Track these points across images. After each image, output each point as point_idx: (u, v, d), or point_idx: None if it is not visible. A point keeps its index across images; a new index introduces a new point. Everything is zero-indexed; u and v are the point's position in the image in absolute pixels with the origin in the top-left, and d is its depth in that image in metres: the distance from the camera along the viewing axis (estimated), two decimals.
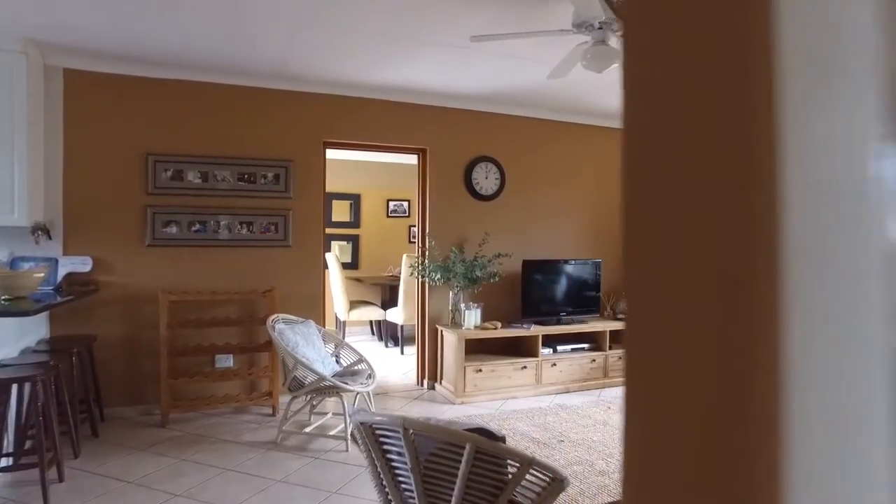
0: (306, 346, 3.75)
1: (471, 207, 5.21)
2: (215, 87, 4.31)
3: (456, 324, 4.95)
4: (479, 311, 4.89)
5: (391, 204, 8.43)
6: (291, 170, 4.52)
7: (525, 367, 4.88)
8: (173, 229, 4.20)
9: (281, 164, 4.50)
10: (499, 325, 4.90)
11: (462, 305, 4.89)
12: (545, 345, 4.97)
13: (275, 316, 3.86)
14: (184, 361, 4.18)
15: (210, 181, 4.30)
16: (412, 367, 5.70)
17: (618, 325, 5.30)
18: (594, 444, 3.68)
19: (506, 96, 4.94)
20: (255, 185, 4.43)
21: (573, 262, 5.43)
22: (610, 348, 5.22)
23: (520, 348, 5.02)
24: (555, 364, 5.00)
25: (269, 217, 4.48)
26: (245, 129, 4.41)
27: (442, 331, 4.96)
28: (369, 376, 3.90)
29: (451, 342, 4.78)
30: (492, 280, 4.96)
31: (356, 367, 4.07)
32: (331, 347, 4.20)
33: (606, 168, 5.84)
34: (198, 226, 4.27)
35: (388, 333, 7.08)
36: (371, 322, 7.76)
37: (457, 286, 4.92)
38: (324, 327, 4.41)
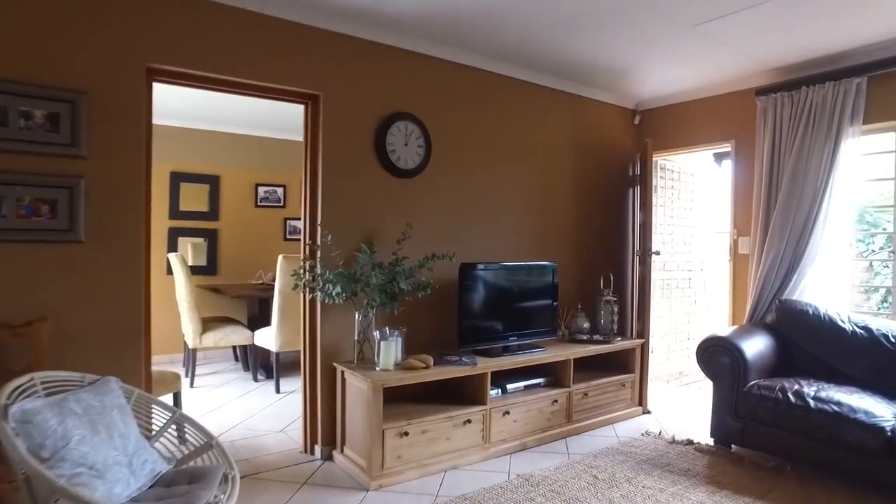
0: (93, 437, 1.89)
1: (384, 186, 3.56)
2: None
3: (366, 361, 3.28)
4: (400, 341, 3.27)
5: (261, 190, 6.48)
6: (83, 108, 2.58)
7: (469, 420, 3.32)
8: None
9: (63, 96, 2.54)
10: (431, 361, 3.30)
11: (376, 333, 3.23)
12: (492, 384, 3.47)
13: (26, 379, 1.94)
14: None
15: None
16: (294, 415, 3.96)
17: (583, 351, 3.92)
18: None
19: (441, 24, 3.36)
20: (8, 130, 2.45)
21: (526, 266, 3.98)
22: (573, 382, 3.84)
23: (459, 392, 3.46)
24: (507, 412, 3.50)
25: (39, 188, 2.51)
26: None
27: (344, 372, 3.26)
28: (225, 480, 2.12)
29: (359, 392, 3.10)
30: (421, 294, 3.35)
31: (200, 464, 2.26)
32: (157, 422, 2.36)
33: (559, 143, 4.47)
34: None
35: (256, 362, 5.18)
36: (234, 347, 5.79)
37: (368, 304, 3.25)
38: (139, 389, 2.50)
